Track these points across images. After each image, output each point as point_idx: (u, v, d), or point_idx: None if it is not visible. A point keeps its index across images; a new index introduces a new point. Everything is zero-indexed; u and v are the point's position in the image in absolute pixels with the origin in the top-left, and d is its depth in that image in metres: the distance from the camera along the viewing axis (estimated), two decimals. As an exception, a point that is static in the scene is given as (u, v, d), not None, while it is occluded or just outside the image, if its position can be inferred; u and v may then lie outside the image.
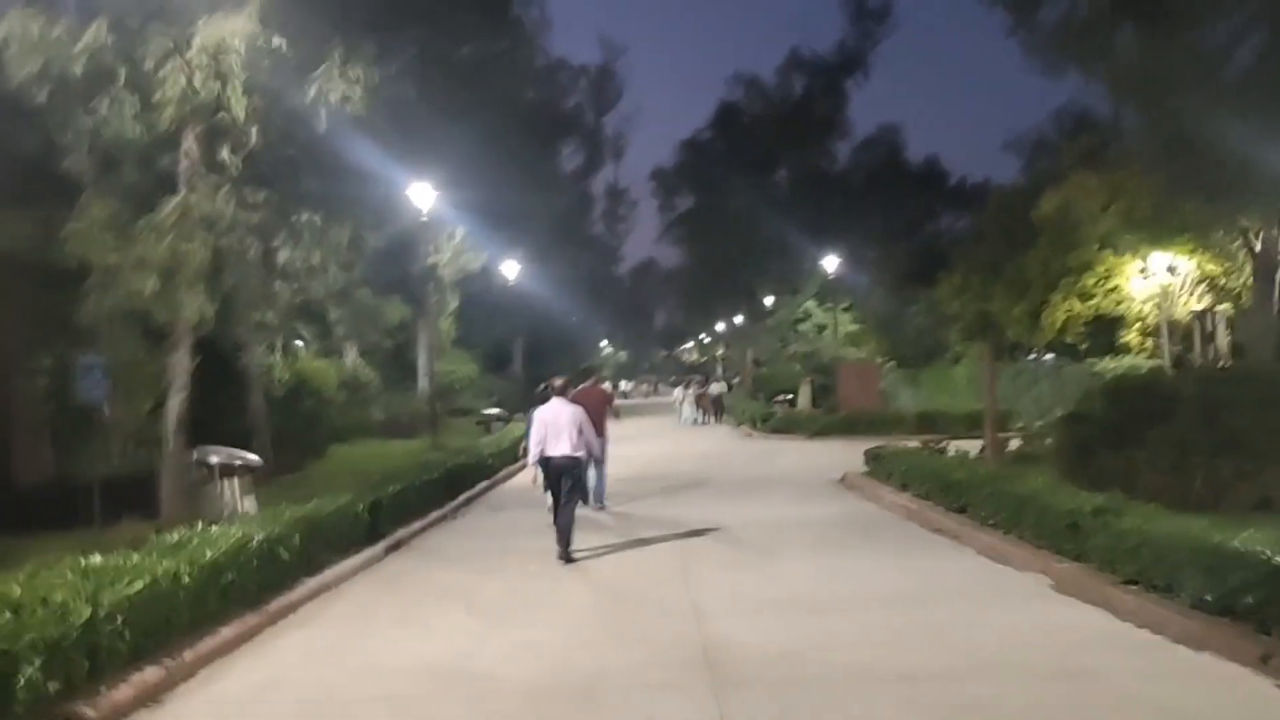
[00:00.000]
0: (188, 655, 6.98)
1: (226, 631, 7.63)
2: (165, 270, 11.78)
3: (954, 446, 17.59)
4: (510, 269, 40.96)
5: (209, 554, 7.78)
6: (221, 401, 18.20)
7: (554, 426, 11.14)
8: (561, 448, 11.08)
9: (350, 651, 7.48)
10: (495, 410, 31.71)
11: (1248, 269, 20.29)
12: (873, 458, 17.32)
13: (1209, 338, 18.94)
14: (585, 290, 60.31)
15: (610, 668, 6.72)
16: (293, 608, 8.77)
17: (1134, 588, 7.88)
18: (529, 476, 11.61)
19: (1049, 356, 35.03)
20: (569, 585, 9.62)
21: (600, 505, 14.74)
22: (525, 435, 12.43)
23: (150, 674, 6.53)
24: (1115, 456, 12.23)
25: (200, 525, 8.70)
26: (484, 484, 18.22)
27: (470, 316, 43.16)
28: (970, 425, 28.44)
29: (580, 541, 11.26)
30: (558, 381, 11.86)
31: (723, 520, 13.35)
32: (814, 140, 56.58)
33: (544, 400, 11.69)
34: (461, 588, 9.49)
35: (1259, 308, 17.09)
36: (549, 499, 11.58)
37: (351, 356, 30.87)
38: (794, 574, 9.59)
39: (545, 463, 11.16)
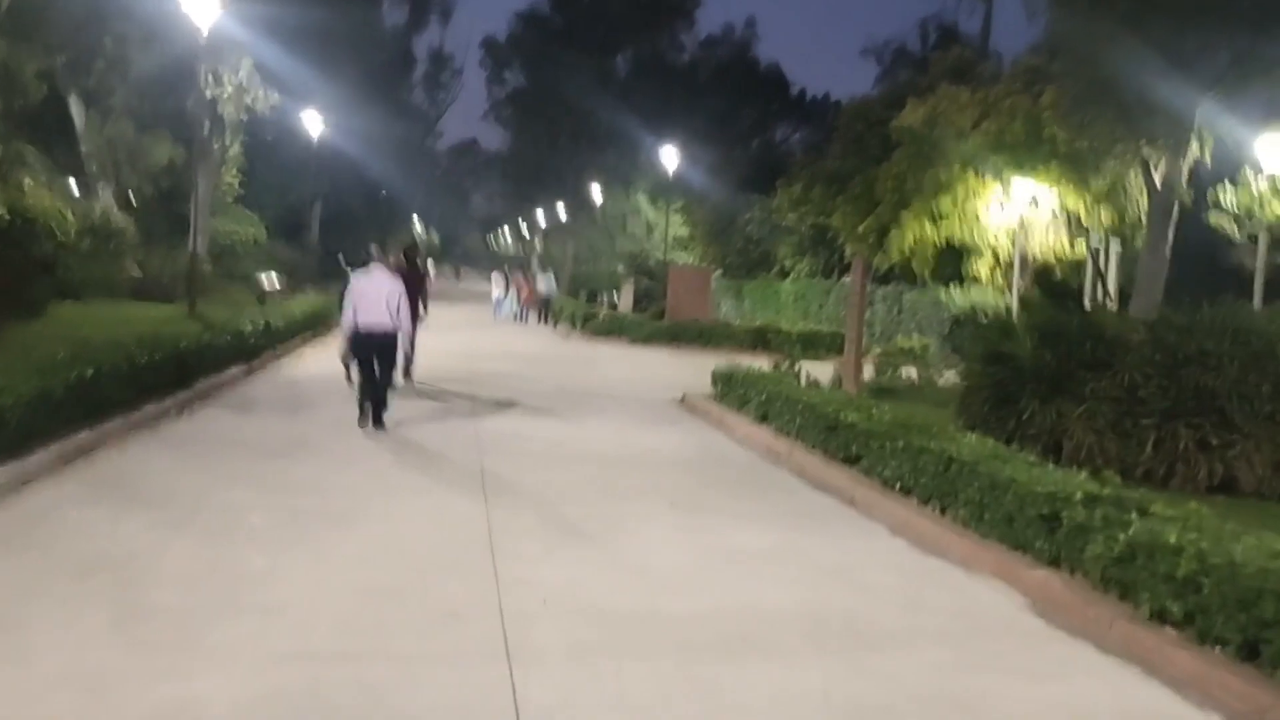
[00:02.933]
0: None
1: None
2: None
3: (801, 371, 15.03)
4: (312, 123, 35.81)
5: None
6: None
7: (373, 297, 10.74)
8: (378, 319, 10.68)
9: None
10: (274, 280, 27.13)
11: (1142, 203, 18.40)
12: (722, 379, 14.49)
13: (1099, 275, 16.94)
14: (397, 160, 55.24)
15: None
16: None
17: (1169, 629, 5.23)
18: (340, 347, 11.40)
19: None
20: (296, 557, 6.22)
21: (406, 378, 14.10)
22: (340, 304, 11.62)
23: None
24: (1043, 409, 9.76)
25: None
26: (238, 369, 14.38)
27: (261, 173, 37.92)
28: (806, 346, 26.40)
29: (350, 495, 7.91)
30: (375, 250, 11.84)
31: (543, 450, 10.22)
32: (661, 26, 52.94)
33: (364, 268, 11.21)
34: (120, 559, 5.92)
35: (1153, 248, 15.09)
36: (354, 374, 11.43)
37: (104, 199, 25.66)
38: (650, 557, 6.50)
39: (359, 334, 10.75)
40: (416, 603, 5.22)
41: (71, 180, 27.59)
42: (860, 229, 31.26)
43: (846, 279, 36.41)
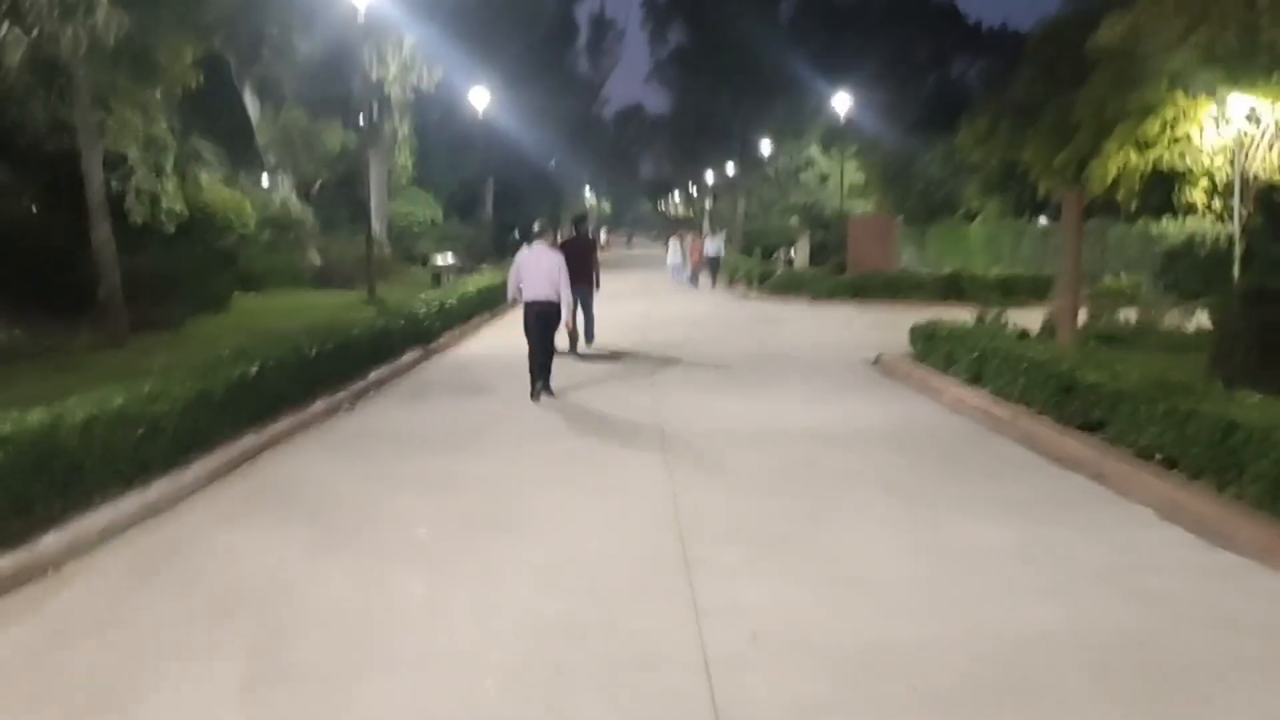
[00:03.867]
0: None
1: None
2: None
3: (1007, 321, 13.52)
4: (479, 98, 35.67)
5: None
6: (54, 236, 13.85)
7: (536, 270, 11.10)
8: (541, 292, 11.06)
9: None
10: (449, 259, 26.99)
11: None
12: (923, 337, 13.15)
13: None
14: (565, 131, 54.95)
15: None
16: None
17: None
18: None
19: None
20: (461, 582, 5.46)
21: (589, 344, 15.13)
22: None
23: None
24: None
25: None
26: (413, 355, 13.99)
27: (432, 152, 38.15)
28: (1004, 293, 24.43)
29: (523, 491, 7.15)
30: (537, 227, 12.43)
31: (731, 427, 9.24)
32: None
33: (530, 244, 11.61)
34: (262, 592, 5.29)
35: None
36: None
37: (284, 190, 26.10)
38: (871, 564, 5.44)
39: (525, 307, 11.16)
40: (600, 644, 4.34)
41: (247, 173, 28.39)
42: (1056, 162, 28.89)
43: (1043, 220, 33.97)
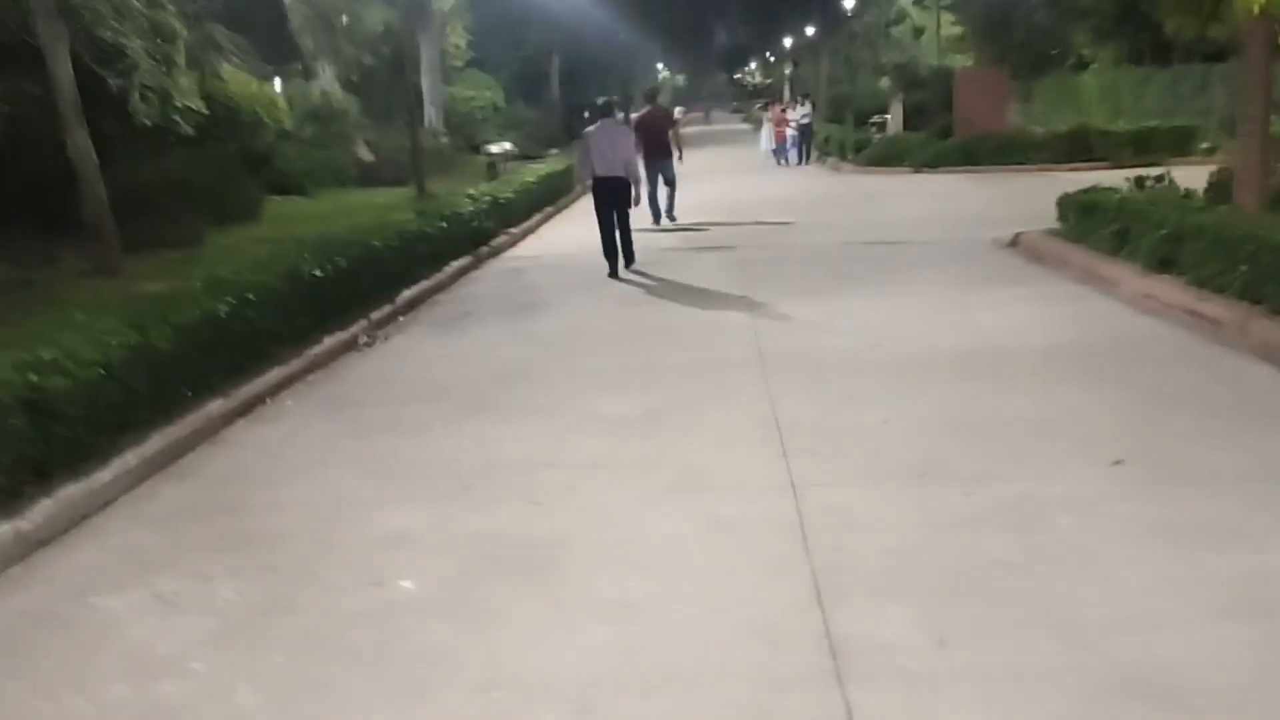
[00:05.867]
0: None
1: None
2: None
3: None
4: (534, -35, 32.68)
5: None
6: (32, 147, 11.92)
7: (603, 147, 10.95)
8: (611, 169, 10.88)
9: None
10: (505, 147, 24.50)
11: None
12: (1079, 208, 10.55)
13: None
14: (633, 3, 51.35)
15: None
16: None
17: None
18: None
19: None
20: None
21: (671, 218, 15.20)
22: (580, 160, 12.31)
23: None
24: None
25: None
26: (460, 263, 11.87)
27: (489, 29, 35.44)
28: (1137, 149, 21.36)
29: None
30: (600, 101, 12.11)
31: (853, 351, 6.93)
32: None
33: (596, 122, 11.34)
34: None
35: None
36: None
37: (324, 78, 23.83)
38: (1129, 627, 3.22)
39: (597, 183, 10.98)
40: None
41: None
42: (1190, -7, 25.19)
43: (1173, 64, 30.13)
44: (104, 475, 4.88)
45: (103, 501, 4.73)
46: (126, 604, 3.73)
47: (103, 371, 5.23)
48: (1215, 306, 7.22)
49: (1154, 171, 11.27)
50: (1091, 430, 5.08)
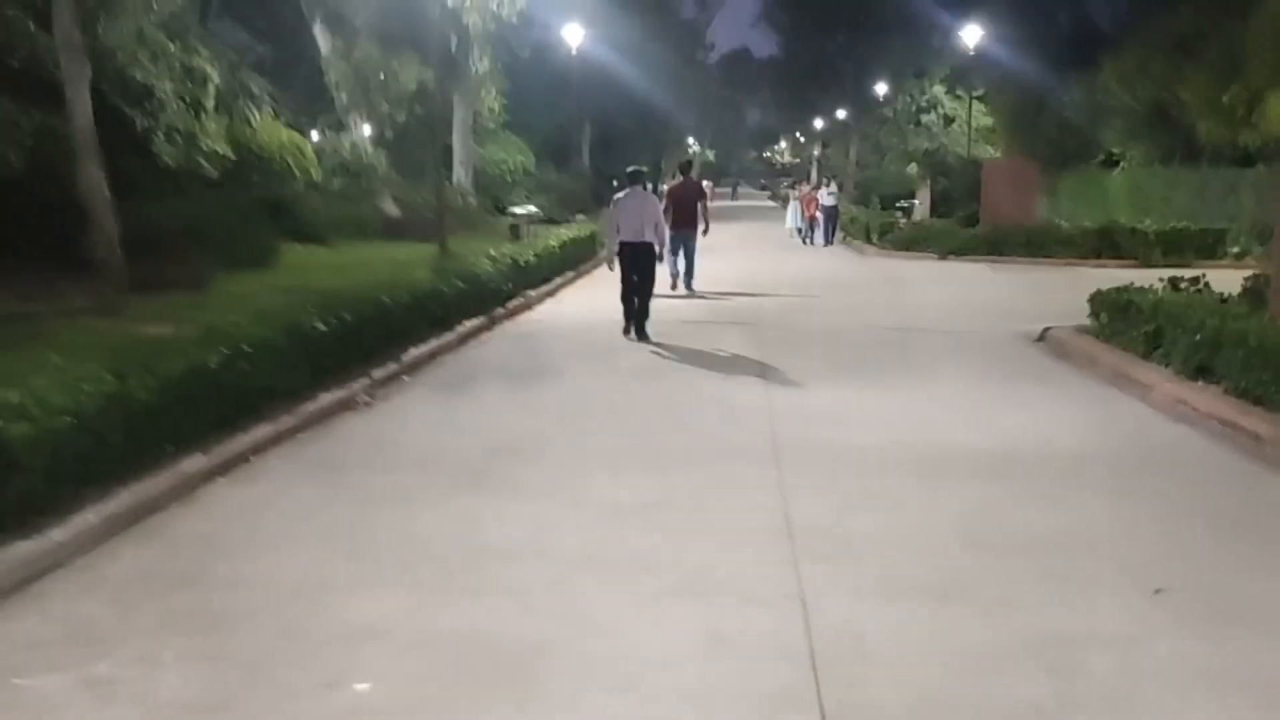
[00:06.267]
0: None
1: None
2: None
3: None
4: (573, 35, 32.88)
5: None
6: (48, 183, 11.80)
7: (631, 215, 11.31)
8: (637, 233, 11.24)
9: None
10: (529, 209, 24.39)
11: None
12: (1112, 307, 10.22)
13: None
14: (667, 76, 51.85)
15: None
16: None
17: None
18: (610, 261, 11.83)
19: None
20: None
21: (689, 289, 15.42)
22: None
23: None
24: None
25: None
26: (473, 324, 11.61)
27: (524, 94, 35.66)
28: (1165, 250, 21.13)
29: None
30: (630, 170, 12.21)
31: (878, 449, 6.56)
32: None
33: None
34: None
35: None
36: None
37: (355, 132, 23.88)
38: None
39: (623, 248, 11.34)
40: None
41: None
42: (1225, 99, 25.16)
43: (1202, 166, 29.98)
44: (59, 534, 4.53)
45: (54, 563, 4.38)
46: (56, 689, 3.37)
47: (71, 420, 4.92)
48: (1256, 420, 6.84)
49: (1186, 273, 10.95)
50: (1124, 553, 4.69)
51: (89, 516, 4.80)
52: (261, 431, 6.54)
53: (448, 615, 3.97)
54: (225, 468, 5.94)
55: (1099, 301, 10.62)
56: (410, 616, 3.95)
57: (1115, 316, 10.11)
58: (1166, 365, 8.64)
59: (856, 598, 4.12)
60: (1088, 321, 10.82)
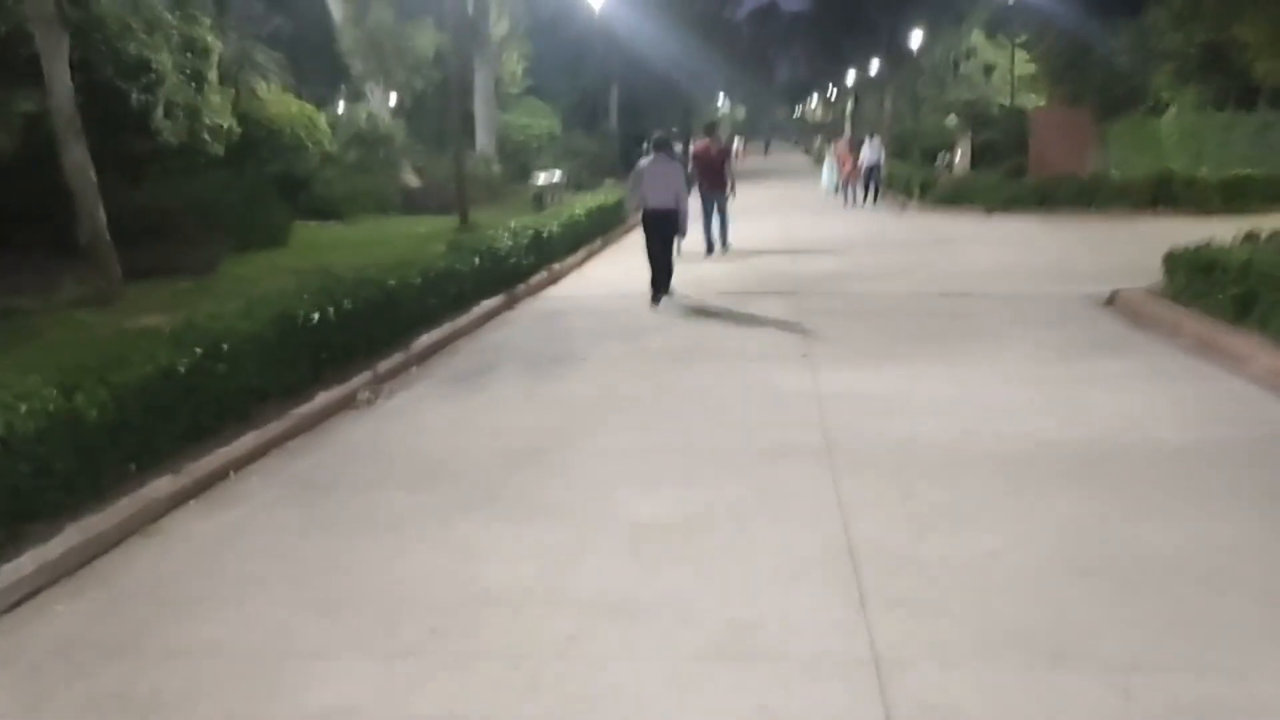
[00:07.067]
0: None
1: None
2: None
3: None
4: (595, -2, 31.64)
5: None
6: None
7: (655, 179, 11.13)
8: (661, 200, 11.04)
9: None
10: (554, 177, 23.46)
11: None
12: (1192, 267, 9.21)
13: None
14: (695, 35, 50.45)
15: None
16: None
17: None
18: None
19: None
20: None
21: (724, 246, 15.25)
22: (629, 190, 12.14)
23: None
24: None
25: None
26: (492, 303, 10.81)
27: (548, 58, 34.66)
28: (1226, 198, 19.92)
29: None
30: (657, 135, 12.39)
31: (940, 443, 5.68)
32: None
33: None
34: None
35: None
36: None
37: (372, 101, 23.04)
38: None
39: (647, 214, 11.17)
40: None
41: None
42: (1280, 41, 23.87)
43: (1258, 109, 28.57)
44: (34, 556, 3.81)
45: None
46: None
47: None
48: (1386, 399, 5.90)
49: (1253, 224, 9.91)
50: (1275, 583, 3.81)
51: (22, 564, 4.06)
52: (245, 441, 5.80)
53: (428, 695, 3.18)
54: (199, 488, 5.19)
55: (1175, 260, 9.61)
56: (382, 695, 3.17)
57: (1196, 278, 9.10)
58: (1262, 333, 7.68)
59: (945, 660, 3.27)
60: (1162, 282, 9.84)
